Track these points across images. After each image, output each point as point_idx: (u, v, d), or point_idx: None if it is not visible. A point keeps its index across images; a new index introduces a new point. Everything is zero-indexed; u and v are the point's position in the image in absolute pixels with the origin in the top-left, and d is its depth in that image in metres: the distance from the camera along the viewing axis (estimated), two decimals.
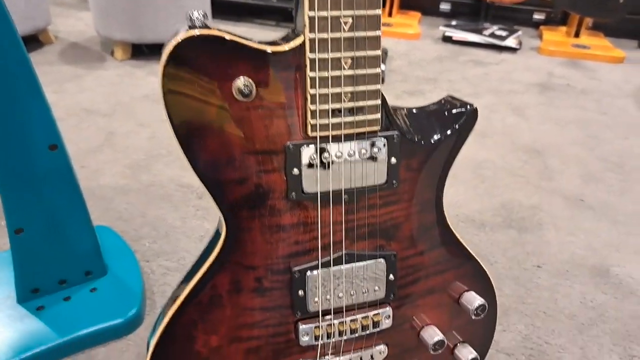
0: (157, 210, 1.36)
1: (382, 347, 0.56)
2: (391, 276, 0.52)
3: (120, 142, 1.69)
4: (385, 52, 2.40)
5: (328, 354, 0.54)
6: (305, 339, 0.52)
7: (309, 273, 0.49)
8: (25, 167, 0.92)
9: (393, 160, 0.48)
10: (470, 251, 0.57)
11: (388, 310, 0.54)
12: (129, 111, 1.90)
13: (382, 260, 0.51)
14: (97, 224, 1.33)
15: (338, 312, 0.52)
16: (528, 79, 2.33)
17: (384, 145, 0.47)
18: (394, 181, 0.48)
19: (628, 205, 1.44)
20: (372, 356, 0.56)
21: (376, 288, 0.52)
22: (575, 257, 1.25)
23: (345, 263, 0.50)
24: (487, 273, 0.59)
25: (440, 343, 0.56)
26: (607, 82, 2.32)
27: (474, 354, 0.59)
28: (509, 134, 1.82)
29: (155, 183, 1.50)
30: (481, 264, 0.58)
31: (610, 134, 1.84)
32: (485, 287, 0.59)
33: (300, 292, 0.50)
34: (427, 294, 0.56)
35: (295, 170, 0.45)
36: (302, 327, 0.51)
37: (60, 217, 0.99)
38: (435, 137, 0.50)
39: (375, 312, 0.53)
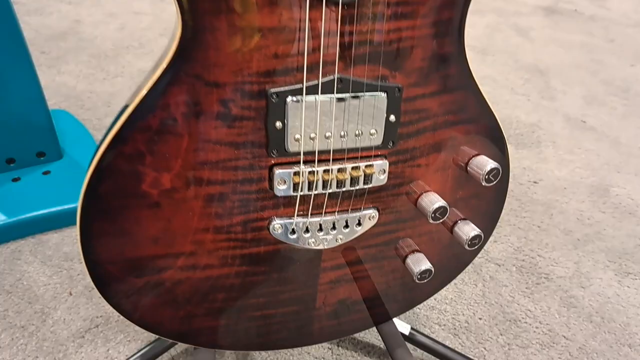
0: (123, 101, 1.23)
1: (372, 212, 0.47)
2: (392, 117, 0.42)
3: (87, 31, 1.52)
4: None
5: (307, 213, 0.45)
6: (281, 188, 0.42)
7: (289, 99, 0.38)
8: None
9: None
10: (490, 106, 0.47)
11: (384, 163, 0.44)
12: (98, 0, 1.71)
13: (383, 94, 0.40)
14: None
15: (323, 157, 0.42)
16: (534, 1, 2.18)
17: None
18: None
19: (630, 129, 1.36)
20: (359, 221, 0.47)
21: (372, 131, 0.42)
22: (573, 176, 1.17)
23: (337, 92, 0.39)
24: (504, 135, 0.49)
25: (442, 211, 0.47)
26: (617, 11, 2.18)
27: (477, 230, 0.50)
28: (512, 53, 1.70)
29: (123, 74, 1.35)
30: (499, 123, 0.48)
31: (616, 60, 1.74)
32: (499, 153, 0.49)
33: (278, 124, 0.39)
34: (430, 152, 0.46)
35: None
36: (278, 172, 0.41)
37: (5, 82, 0.85)
38: None
39: (369, 163, 0.43)
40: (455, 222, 0.51)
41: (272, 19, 0.35)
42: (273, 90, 0.38)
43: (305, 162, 0.42)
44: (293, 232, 0.45)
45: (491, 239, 0.98)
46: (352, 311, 0.55)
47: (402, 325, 0.74)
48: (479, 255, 0.94)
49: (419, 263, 0.51)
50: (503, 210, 1.04)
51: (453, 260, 0.56)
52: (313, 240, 0.46)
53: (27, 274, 0.83)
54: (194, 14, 0.34)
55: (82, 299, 0.80)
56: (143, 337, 0.74)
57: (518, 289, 0.88)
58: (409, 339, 0.73)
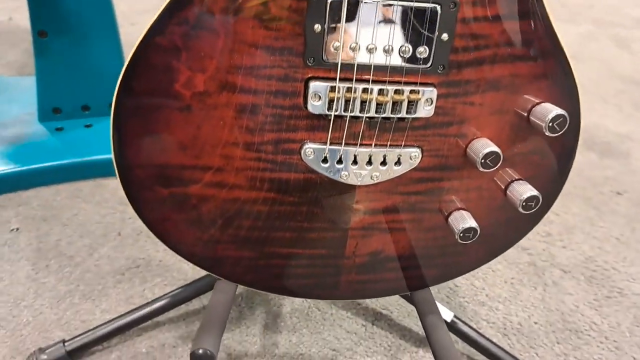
0: None
1: (414, 151, 0.43)
2: (444, 36, 0.38)
3: None
4: None
5: (342, 140, 0.42)
6: (315, 104, 0.39)
7: None
8: None
9: None
10: (562, 45, 0.41)
11: (432, 91, 0.40)
12: None
13: (436, 6, 0.37)
14: None
15: (364, 75, 0.39)
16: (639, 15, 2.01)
17: None
18: None
19: None
20: (399, 158, 0.43)
21: (421, 50, 0.38)
22: None
23: None
24: (576, 82, 0.43)
25: (494, 158, 0.42)
26: None
27: (534, 191, 0.44)
28: (606, 61, 1.57)
29: None
30: (571, 67, 0.43)
31: None
32: (569, 102, 0.43)
33: (317, 27, 0.37)
34: (487, 89, 0.41)
35: None
36: (313, 84, 0.39)
37: (86, 31, 0.90)
38: None
39: (414, 87, 0.40)
40: (510, 183, 0.46)
41: None
42: None
43: (343, 80, 0.39)
44: (325, 160, 0.42)
45: (559, 243, 0.89)
46: (384, 268, 0.51)
47: (444, 311, 0.68)
48: (543, 257, 0.85)
49: (463, 220, 0.46)
50: (576, 217, 0.94)
51: (504, 228, 0.50)
52: (346, 173, 0.43)
53: (84, 211, 0.87)
54: None
55: (128, 240, 0.82)
56: (179, 283, 0.74)
57: (584, 299, 0.79)
58: (451, 327, 0.67)
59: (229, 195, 0.44)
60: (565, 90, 0.43)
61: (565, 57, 0.42)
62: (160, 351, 0.66)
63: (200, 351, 0.41)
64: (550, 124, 0.41)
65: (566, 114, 0.41)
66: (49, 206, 0.87)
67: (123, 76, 0.39)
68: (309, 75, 0.39)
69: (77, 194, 0.90)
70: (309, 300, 0.75)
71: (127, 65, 0.38)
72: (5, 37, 1.58)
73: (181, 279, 0.76)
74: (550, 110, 0.41)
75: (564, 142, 0.45)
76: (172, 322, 0.70)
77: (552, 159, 0.46)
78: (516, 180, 0.46)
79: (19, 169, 0.88)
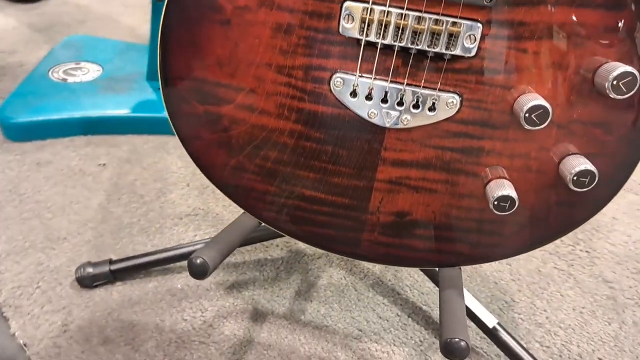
0: None
1: (452, 97, 0.40)
2: None
3: None
4: None
5: (372, 72, 0.40)
6: (347, 26, 0.38)
7: None
8: None
9: None
10: None
11: (475, 26, 0.37)
12: None
13: None
14: None
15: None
16: None
17: None
18: None
19: None
20: (434, 103, 0.40)
21: None
22: None
23: None
24: None
25: (541, 113, 0.37)
26: None
27: (588, 164, 0.38)
28: None
29: None
30: None
31: None
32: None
33: None
34: (544, 35, 0.37)
35: None
36: (347, 3, 0.37)
37: None
38: None
39: (455, 19, 0.36)
40: (565, 156, 0.41)
41: None
42: None
43: (379, 3, 0.37)
44: (354, 94, 0.41)
45: None
46: (410, 234, 0.47)
47: (487, 316, 0.62)
48: (627, 295, 0.74)
49: (501, 187, 0.41)
50: None
51: (552, 213, 0.44)
52: (374, 112, 0.41)
53: (163, 160, 0.93)
54: None
55: (194, 192, 0.86)
56: None
57: None
58: (491, 333, 0.61)
59: (258, 121, 0.44)
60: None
61: None
62: (194, 290, 0.68)
63: (198, 261, 0.41)
64: (615, 82, 0.35)
65: (637, 73, 0.35)
66: (135, 151, 0.94)
67: None
68: None
69: (162, 145, 0.97)
70: (347, 278, 0.72)
71: None
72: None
73: None
74: (617, 67, 0.35)
75: (635, 117, 0.39)
76: None
77: (619, 136, 0.40)
78: (572, 154, 0.40)
79: (120, 114, 0.97)
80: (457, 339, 0.39)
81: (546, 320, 0.69)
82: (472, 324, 0.62)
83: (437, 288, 0.70)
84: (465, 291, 0.62)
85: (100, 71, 1.11)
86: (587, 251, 0.82)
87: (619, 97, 0.36)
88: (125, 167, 0.90)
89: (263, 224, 0.50)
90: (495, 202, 0.41)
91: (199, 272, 0.41)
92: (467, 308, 0.62)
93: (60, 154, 0.92)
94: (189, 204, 0.83)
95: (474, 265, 0.77)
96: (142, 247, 0.74)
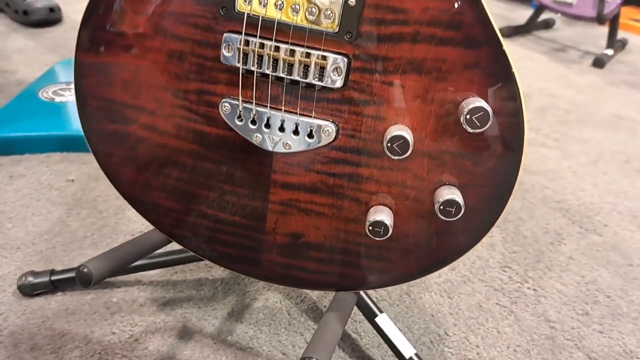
0: None
1: (327, 125, 0.42)
2: (352, 1, 0.37)
3: None
4: (623, 43, 1.98)
5: (253, 98, 0.42)
6: (226, 55, 0.41)
7: None
8: None
9: None
10: (498, 32, 0.37)
11: (341, 60, 0.39)
12: None
13: None
14: None
15: (270, 31, 0.39)
16: None
17: None
18: None
19: None
20: (312, 130, 0.42)
21: (328, 12, 0.38)
22: None
23: None
24: (515, 76, 0.38)
25: (401, 144, 0.39)
26: None
27: (454, 195, 0.40)
28: None
29: None
30: (513, 69, 0.38)
31: None
32: (504, 98, 0.38)
33: None
34: (408, 70, 0.39)
35: None
36: (225, 35, 0.40)
37: None
38: None
39: (321, 52, 0.39)
40: (438, 186, 0.42)
41: None
42: None
43: (251, 35, 0.40)
44: (240, 118, 0.43)
45: (597, 327, 0.75)
46: (305, 256, 0.48)
47: (406, 346, 0.62)
48: (567, 336, 0.72)
49: (377, 212, 0.42)
50: (632, 305, 0.79)
51: (433, 241, 0.45)
52: (258, 135, 0.43)
53: None
54: None
55: None
56: None
57: None
58: None
59: (160, 141, 0.47)
60: (500, 85, 0.38)
61: (502, 48, 0.37)
62: (129, 305, 0.70)
63: (85, 270, 0.43)
64: (469, 117, 0.37)
65: (488, 108, 0.37)
66: None
67: (86, 9, 0.45)
68: (228, 29, 0.41)
69: None
70: (283, 302, 0.73)
71: (89, 3, 0.44)
72: None
73: None
74: (471, 102, 0.37)
75: (502, 151, 0.40)
76: (151, 284, 0.73)
77: (488, 167, 0.41)
78: (444, 184, 0.42)
79: None
80: (314, 358, 0.40)
81: (477, 356, 0.68)
82: (390, 351, 0.62)
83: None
84: (386, 318, 0.63)
85: None
86: (534, 289, 0.81)
87: (474, 130, 0.37)
88: (92, 184, 0.94)
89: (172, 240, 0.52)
90: (370, 228, 0.42)
91: (83, 280, 0.43)
92: (386, 336, 0.62)
93: (34, 168, 0.96)
94: (144, 222, 0.85)
95: (412, 297, 0.77)
96: None
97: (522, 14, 2.33)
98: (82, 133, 1.00)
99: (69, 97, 1.14)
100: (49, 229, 0.82)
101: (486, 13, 0.37)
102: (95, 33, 0.45)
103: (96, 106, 0.48)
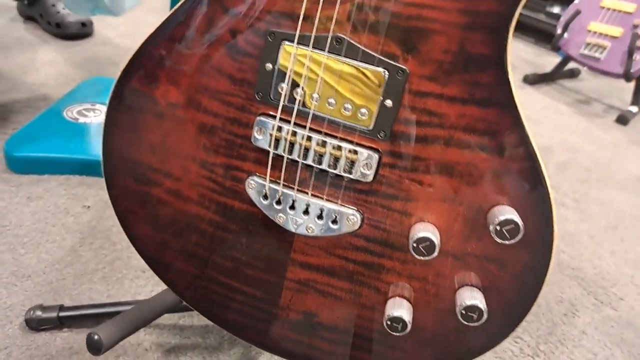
0: None
1: (352, 213, 0.41)
2: (389, 102, 0.37)
3: None
4: None
5: (281, 180, 0.42)
6: (258, 137, 0.41)
7: (283, 43, 0.38)
8: None
9: None
10: (534, 145, 0.37)
11: (372, 156, 0.39)
12: None
13: (383, 71, 0.36)
14: None
15: (304, 121, 0.39)
16: None
17: None
18: None
19: None
20: (336, 217, 0.42)
21: (363, 110, 0.38)
22: None
23: (330, 51, 0.37)
24: (551, 197, 0.37)
25: (428, 246, 0.38)
26: None
27: (477, 300, 0.39)
28: None
29: None
30: (546, 181, 0.38)
31: None
32: (537, 212, 0.38)
33: (268, 66, 0.39)
34: (439, 171, 0.38)
35: None
36: (259, 118, 0.40)
37: None
38: None
39: (353, 147, 0.39)
40: (461, 286, 0.41)
41: None
42: (272, 29, 0.38)
43: (285, 121, 0.40)
44: (266, 197, 0.43)
45: None
46: (318, 336, 0.48)
47: None
48: None
49: (395, 307, 0.42)
50: None
51: (451, 338, 0.44)
52: (282, 216, 0.43)
53: None
54: None
55: None
56: None
57: None
58: None
59: (183, 207, 0.47)
60: (532, 197, 0.38)
61: (537, 160, 0.37)
62: (134, 348, 0.69)
63: (95, 337, 0.43)
64: (499, 228, 0.36)
65: (519, 221, 0.36)
66: None
67: (124, 69, 0.45)
68: (261, 111, 0.41)
69: None
70: None
71: (128, 61, 0.44)
72: None
73: None
74: (502, 212, 0.36)
75: (530, 259, 0.39)
76: (158, 327, 0.73)
77: (514, 274, 0.40)
78: (466, 285, 0.41)
79: None
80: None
81: None
82: None
83: None
84: None
85: None
86: None
87: (503, 242, 0.37)
88: (107, 211, 0.94)
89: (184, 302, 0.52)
90: (388, 322, 0.41)
91: (93, 348, 0.43)
92: None
93: (52, 190, 0.97)
94: None
95: None
96: (98, 296, 0.76)
97: (549, 61, 2.32)
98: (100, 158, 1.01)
99: (93, 118, 1.15)
100: (61, 257, 0.82)
101: (524, 126, 0.36)
102: (130, 92, 0.45)
103: (121, 163, 0.48)
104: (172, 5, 1.00)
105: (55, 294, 0.75)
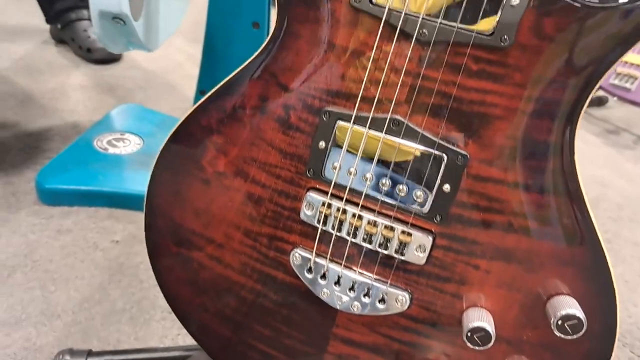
0: None
1: (401, 294, 0.40)
2: (447, 187, 0.36)
3: None
4: None
5: (327, 255, 0.41)
6: (307, 213, 0.40)
7: (339, 122, 0.37)
8: (227, 38, 0.98)
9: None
10: (599, 236, 0.35)
11: (426, 238, 0.37)
12: None
13: (442, 155, 0.35)
14: None
15: (360, 200, 0.38)
16: None
17: None
18: (506, 38, 0.32)
19: None
20: (384, 297, 0.40)
21: (419, 193, 0.36)
22: None
23: (387, 132, 0.36)
24: (614, 284, 0.36)
25: (483, 336, 0.36)
26: None
27: None
28: None
29: None
30: (611, 270, 0.36)
31: None
32: (598, 302, 0.36)
33: (322, 144, 0.38)
34: (496, 257, 0.37)
35: None
36: (309, 194, 0.39)
37: None
38: None
39: (406, 228, 0.37)
40: None
41: (348, 38, 0.35)
42: (327, 108, 0.37)
43: (336, 198, 0.39)
44: (310, 270, 0.42)
45: None
46: None
47: None
48: None
49: None
50: None
51: None
52: (327, 291, 0.42)
53: None
54: (285, 15, 0.37)
55: None
56: None
57: None
58: None
59: (223, 272, 0.46)
60: (595, 288, 0.36)
61: (601, 249, 0.35)
62: None
63: None
64: (560, 322, 0.35)
65: (583, 318, 0.34)
66: None
67: (173, 131, 0.44)
68: (311, 186, 0.40)
69: None
70: None
71: (178, 125, 0.44)
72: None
73: None
74: (564, 307, 0.35)
75: (590, 348, 0.37)
76: None
77: None
78: None
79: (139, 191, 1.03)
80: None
81: None
82: None
83: None
84: None
85: (140, 145, 1.18)
86: None
87: (564, 336, 0.35)
88: (136, 247, 0.94)
89: None
90: None
91: None
92: None
93: (82, 223, 0.97)
94: None
95: None
96: (125, 338, 0.75)
97: None
98: (130, 192, 1.01)
99: (122, 148, 1.16)
100: (90, 295, 0.82)
101: (588, 211, 0.35)
102: (177, 156, 0.44)
103: (164, 225, 0.47)
104: (207, 36, 0.99)
105: (84, 334, 0.75)
